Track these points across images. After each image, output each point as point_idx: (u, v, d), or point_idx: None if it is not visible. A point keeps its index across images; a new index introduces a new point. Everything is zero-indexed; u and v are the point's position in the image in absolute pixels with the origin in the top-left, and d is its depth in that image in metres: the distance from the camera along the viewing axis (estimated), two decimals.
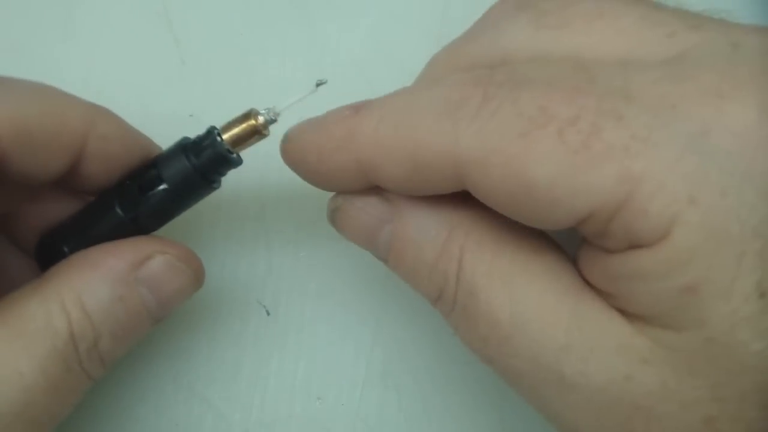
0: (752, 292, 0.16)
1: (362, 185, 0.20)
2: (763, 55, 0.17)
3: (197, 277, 0.22)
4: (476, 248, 0.19)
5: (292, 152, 0.21)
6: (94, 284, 0.20)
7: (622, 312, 0.18)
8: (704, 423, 0.17)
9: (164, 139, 0.23)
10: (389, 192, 0.20)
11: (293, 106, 0.22)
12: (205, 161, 0.21)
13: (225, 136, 0.21)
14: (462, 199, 0.20)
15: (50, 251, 0.23)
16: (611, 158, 0.16)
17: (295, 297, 0.28)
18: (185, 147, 0.22)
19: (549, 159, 0.16)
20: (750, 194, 0.16)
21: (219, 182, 0.22)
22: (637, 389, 0.17)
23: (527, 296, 0.18)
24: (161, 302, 0.21)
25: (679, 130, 0.16)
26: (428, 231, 0.20)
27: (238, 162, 0.22)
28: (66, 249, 0.22)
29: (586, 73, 0.17)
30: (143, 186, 0.22)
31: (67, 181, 0.22)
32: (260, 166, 0.27)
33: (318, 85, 0.22)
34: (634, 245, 0.17)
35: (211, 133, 0.21)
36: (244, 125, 0.21)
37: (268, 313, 0.28)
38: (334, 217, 0.22)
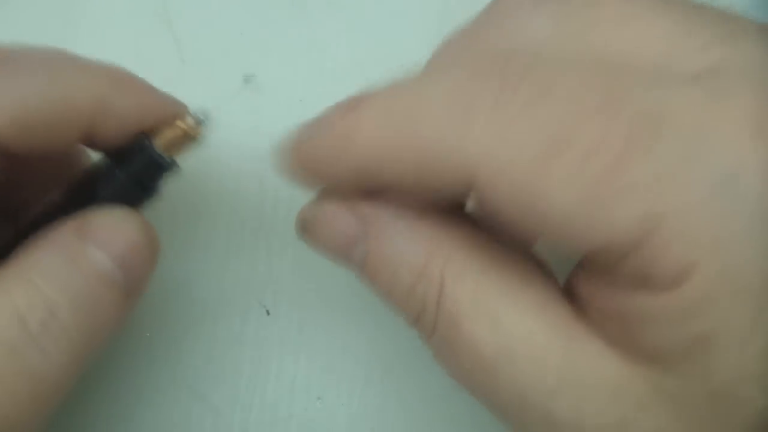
0: (763, 351, 0.15)
1: (365, 186, 0.19)
2: None
3: (144, 228, 0.20)
4: (459, 274, 0.18)
5: (292, 161, 0.20)
6: (37, 258, 0.19)
7: (621, 348, 0.17)
8: None
9: None
10: (364, 206, 0.19)
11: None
12: (137, 170, 0.21)
13: (157, 142, 0.21)
14: (444, 216, 0.19)
15: None
16: (635, 194, 0.15)
17: (295, 297, 0.28)
18: (116, 158, 0.21)
19: (569, 185, 0.15)
20: None
21: (158, 190, 0.22)
22: None
23: (514, 331, 0.17)
24: (117, 260, 0.19)
25: (709, 167, 0.15)
26: (406, 252, 0.18)
27: (172, 167, 0.21)
28: None
29: (618, 85, 0.16)
30: (76, 203, 0.21)
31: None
32: (260, 165, 0.27)
33: (246, 80, 0.21)
34: (647, 286, 0.15)
35: (141, 140, 0.21)
36: (172, 129, 0.21)
37: (268, 313, 0.28)
38: (304, 229, 0.21)
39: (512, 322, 0.17)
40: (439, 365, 0.19)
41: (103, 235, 0.19)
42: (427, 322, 0.18)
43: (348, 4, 0.31)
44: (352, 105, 0.18)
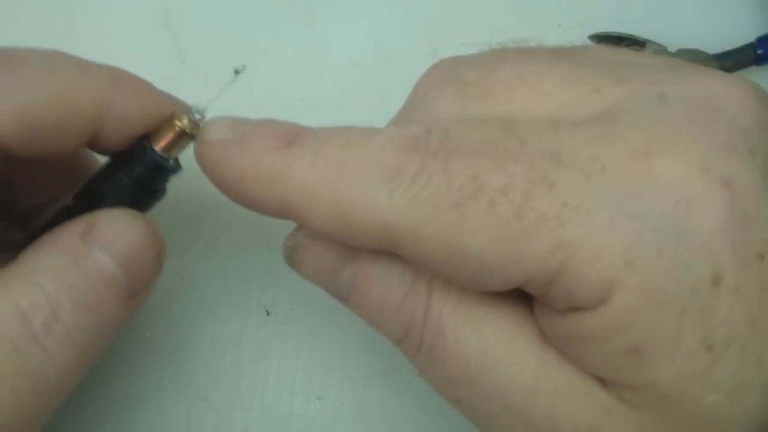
0: (698, 348, 0.16)
1: (284, 217, 0.20)
2: (689, 106, 0.17)
3: (149, 231, 0.21)
4: (443, 287, 0.19)
5: (208, 160, 0.20)
6: (41, 259, 0.19)
7: (576, 361, 0.18)
8: None
9: None
10: None
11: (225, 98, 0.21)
12: (140, 172, 0.21)
13: (158, 143, 0.21)
14: None
15: None
16: (544, 228, 0.16)
17: (295, 297, 0.28)
18: (119, 162, 0.21)
19: (481, 230, 0.16)
20: (685, 253, 0.16)
21: (163, 191, 0.22)
22: None
23: (495, 337, 0.18)
24: (120, 263, 0.20)
25: (610, 193, 0.16)
26: (394, 270, 0.19)
27: (174, 168, 0.21)
28: None
29: (516, 136, 0.17)
30: (83, 207, 0.21)
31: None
32: None
33: (237, 72, 0.21)
34: (576, 309, 0.17)
35: (142, 142, 0.21)
36: (170, 129, 0.21)
37: (268, 313, 0.28)
38: (292, 256, 0.21)
39: (493, 329, 0.18)
40: (425, 379, 0.20)
41: (108, 237, 0.20)
42: (415, 336, 0.19)
43: (348, 4, 0.31)
44: (287, 141, 0.19)
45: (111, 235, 0.20)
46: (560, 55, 0.19)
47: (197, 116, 0.21)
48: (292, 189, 0.18)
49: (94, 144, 0.21)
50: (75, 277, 0.19)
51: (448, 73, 0.20)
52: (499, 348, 0.18)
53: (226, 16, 0.31)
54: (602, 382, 0.17)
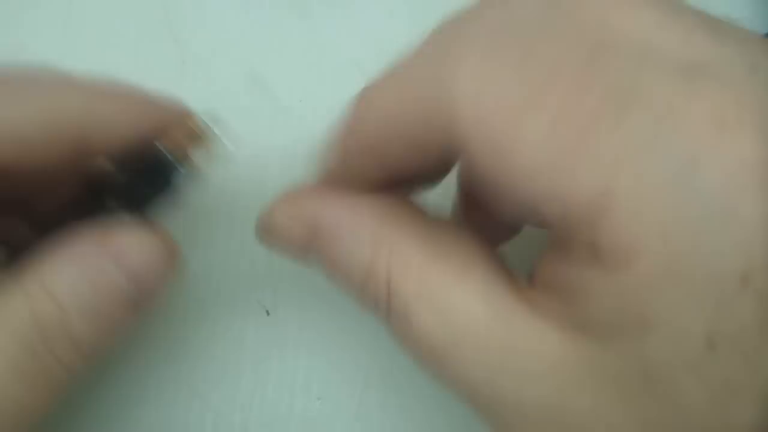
0: (700, 341, 0.15)
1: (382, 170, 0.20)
2: None
3: (165, 244, 0.21)
4: (403, 267, 0.19)
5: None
6: (55, 266, 0.20)
7: (562, 324, 0.17)
8: None
9: None
10: (311, 210, 0.20)
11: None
12: (150, 177, 0.21)
13: (167, 148, 0.21)
14: (389, 208, 0.19)
15: None
16: (596, 167, 0.15)
17: (295, 297, 0.28)
18: (136, 170, 0.21)
19: (538, 146, 0.16)
20: (724, 242, 0.15)
21: (176, 195, 0.22)
22: (569, 411, 0.17)
23: (458, 318, 0.18)
24: (131, 277, 0.20)
25: (673, 153, 0.15)
26: (352, 251, 0.19)
27: (188, 172, 0.21)
28: None
29: (599, 58, 0.16)
30: (96, 210, 0.21)
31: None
32: (261, 165, 0.27)
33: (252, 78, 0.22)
34: (596, 262, 0.16)
35: (148, 148, 0.21)
36: (182, 133, 0.21)
37: (268, 313, 0.28)
38: (262, 238, 0.22)
39: (456, 309, 0.18)
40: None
41: (122, 251, 0.20)
42: (383, 316, 0.19)
43: (348, 4, 0.31)
44: (362, 92, 0.19)
45: (126, 248, 0.20)
46: None
47: (208, 121, 0.21)
48: (373, 120, 0.19)
49: (88, 154, 0.21)
50: (86, 291, 0.20)
51: None
52: (463, 329, 0.18)
53: (226, 16, 0.31)
54: (583, 339, 0.17)
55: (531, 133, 0.16)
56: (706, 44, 0.17)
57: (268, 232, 0.22)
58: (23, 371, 0.19)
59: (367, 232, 0.19)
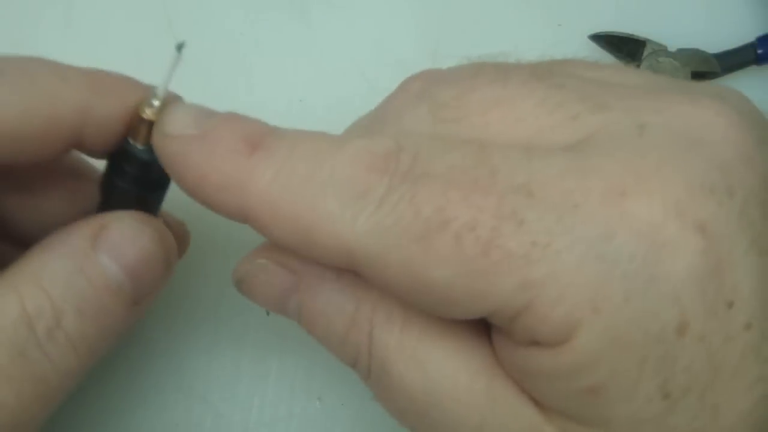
0: (655, 394, 0.16)
1: (245, 223, 0.19)
2: (669, 138, 0.16)
3: (161, 238, 0.20)
4: (385, 322, 0.19)
5: (167, 155, 0.19)
6: (48, 261, 0.19)
7: (531, 398, 0.18)
8: None
9: None
10: (294, 260, 0.20)
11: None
12: (131, 172, 0.20)
13: (134, 139, 0.20)
14: None
15: None
16: (511, 266, 0.16)
17: None
18: (111, 164, 0.21)
19: (446, 264, 0.16)
20: (653, 300, 0.15)
21: (162, 184, 0.21)
22: None
23: (440, 372, 0.18)
24: (127, 270, 0.19)
25: (581, 233, 0.15)
26: (335, 303, 0.19)
27: (147, 157, 0.20)
28: None
29: (488, 164, 0.17)
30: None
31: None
32: None
33: (179, 48, 0.20)
34: (538, 345, 0.16)
35: (123, 141, 0.20)
36: (140, 122, 0.20)
37: (268, 313, 0.28)
38: (241, 288, 0.21)
39: (438, 364, 0.18)
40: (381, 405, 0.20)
41: (116, 243, 0.19)
42: (362, 368, 0.19)
43: (348, 4, 0.31)
44: (251, 145, 0.18)
45: (119, 240, 0.19)
46: (538, 75, 0.18)
47: (156, 103, 0.20)
48: (253, 198, 0.18)
49: (81, 147, 0.21)
50: (80, 284, 0.19)
51: (423, 89, 0.20)
52: (444, 384, 0.18)
53: (226, 16, 0.31)
54: (552, 415, 0.17)
55: (435, 256, 0.16)
56: (590, 116, 0.17)
57: (246, 280, 0.21)
58: (9, 376, 0.18)
59: (351, 285, 0.19)
